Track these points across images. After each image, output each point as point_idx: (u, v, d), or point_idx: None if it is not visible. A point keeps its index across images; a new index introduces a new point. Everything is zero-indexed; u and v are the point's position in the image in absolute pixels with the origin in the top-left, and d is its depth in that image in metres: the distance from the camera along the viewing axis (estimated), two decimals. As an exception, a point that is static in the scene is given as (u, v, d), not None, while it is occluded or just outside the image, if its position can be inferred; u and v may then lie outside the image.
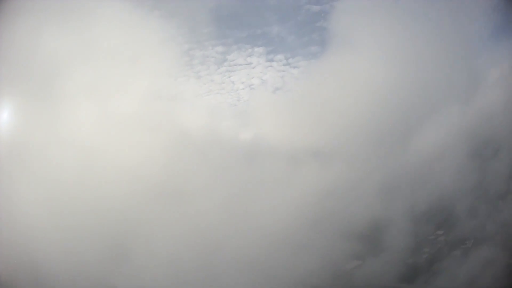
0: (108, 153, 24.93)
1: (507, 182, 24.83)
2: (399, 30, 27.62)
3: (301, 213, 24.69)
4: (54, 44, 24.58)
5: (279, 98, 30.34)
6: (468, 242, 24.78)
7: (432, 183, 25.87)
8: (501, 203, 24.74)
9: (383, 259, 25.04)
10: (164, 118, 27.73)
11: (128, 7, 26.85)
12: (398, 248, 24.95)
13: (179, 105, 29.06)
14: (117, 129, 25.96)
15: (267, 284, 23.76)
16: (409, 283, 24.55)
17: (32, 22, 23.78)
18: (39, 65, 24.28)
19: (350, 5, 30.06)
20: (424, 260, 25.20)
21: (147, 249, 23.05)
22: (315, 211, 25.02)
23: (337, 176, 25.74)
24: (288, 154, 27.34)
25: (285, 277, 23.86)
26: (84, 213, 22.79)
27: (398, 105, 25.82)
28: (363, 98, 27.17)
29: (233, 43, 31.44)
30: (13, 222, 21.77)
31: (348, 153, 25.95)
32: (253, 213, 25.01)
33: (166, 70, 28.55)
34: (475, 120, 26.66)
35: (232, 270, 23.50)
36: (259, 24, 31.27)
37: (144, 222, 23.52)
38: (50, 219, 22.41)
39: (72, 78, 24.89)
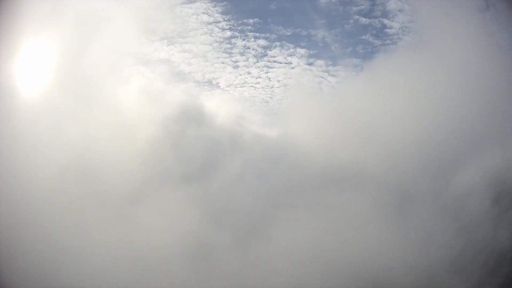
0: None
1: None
2: (456, 59, 26.00)
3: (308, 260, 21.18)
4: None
5: (314, 104, 28.33)
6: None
7: (460, 224, 23.16)
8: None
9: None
10: (189, 99, 27.19)
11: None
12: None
13: (209, 90, 28.58)
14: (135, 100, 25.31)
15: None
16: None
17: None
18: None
19: (401, 22, 29.02)
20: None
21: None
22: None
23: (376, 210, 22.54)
24: (318, 168, 24.92)
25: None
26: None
27: (446, 137, 23.84)
28: (406, 122, 25.41)
29: (276, 39, 30.61)
30: None
31: (390, 179, 23.46)
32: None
33: (204, 53, 28.51)
34: (504, 166, 25.31)
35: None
36: (305, 25, 30.48)
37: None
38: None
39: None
